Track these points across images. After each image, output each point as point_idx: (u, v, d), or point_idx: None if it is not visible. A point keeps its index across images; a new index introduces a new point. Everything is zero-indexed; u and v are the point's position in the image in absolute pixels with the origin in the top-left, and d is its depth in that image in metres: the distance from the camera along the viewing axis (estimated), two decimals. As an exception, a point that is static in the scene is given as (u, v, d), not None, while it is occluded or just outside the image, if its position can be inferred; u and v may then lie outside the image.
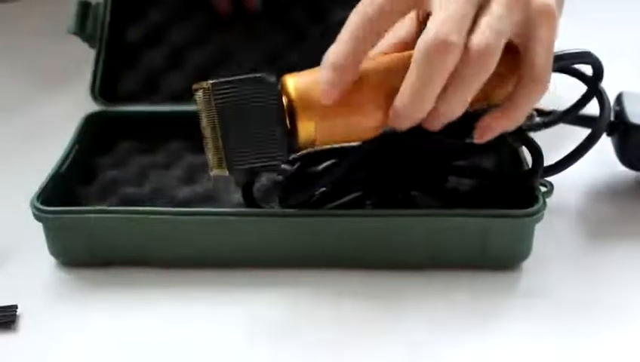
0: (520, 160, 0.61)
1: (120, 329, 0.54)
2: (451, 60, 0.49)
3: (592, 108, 0.61)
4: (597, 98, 0.59)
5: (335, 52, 0.52)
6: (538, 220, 0.56)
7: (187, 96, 0.73)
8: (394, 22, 0.53)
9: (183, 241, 0.58)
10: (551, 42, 0.52)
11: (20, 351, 0.53)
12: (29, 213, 0.57)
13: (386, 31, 0.53)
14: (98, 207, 0.58)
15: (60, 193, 0.61)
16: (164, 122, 0.71)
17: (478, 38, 0.50)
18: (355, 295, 0.56)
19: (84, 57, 0.74)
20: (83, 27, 0.74)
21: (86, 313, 0.56)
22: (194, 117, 0.70)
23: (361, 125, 0.54)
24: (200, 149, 0.69)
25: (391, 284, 0.57)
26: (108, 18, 0.74)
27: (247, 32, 0.76)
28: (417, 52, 0.50)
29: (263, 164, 0.54)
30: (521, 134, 0.58)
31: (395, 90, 0.52)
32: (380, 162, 0.57)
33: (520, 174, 0.60)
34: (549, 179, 0.59)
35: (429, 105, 0.51)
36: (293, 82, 0.54)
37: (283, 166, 0.58)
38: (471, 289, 0.56)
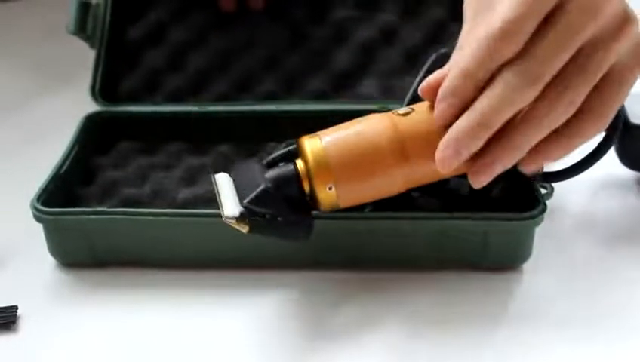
0: None
1: (120, 330, 0.54)
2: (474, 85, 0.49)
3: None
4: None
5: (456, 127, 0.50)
6: (538, 223, 0.56)
7: (187, 96, 0.74)
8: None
9: (183, 243, 0.58)
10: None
11: (20, 351, 0.53)
12: (29, 213, 0.57)
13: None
14: (98, 209, 0.58)
15: (61, 194, 0.61)
16: (164, 123, 0.71)
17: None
18: (356, 296, 0.56)
19: (84, 57, 0.74)
20: (83, 27, 0.73)
21: (86, 314, 0.56)
22: (194, 118, 0.71)
23: (385, 185, 0.53)
24: (200, 151, 0.69)
25: (391, 286, 0.57)
26: (108, 18, 0.74)
27: (248, 31, 0.76)
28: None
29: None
30: None
31: (416, 142, 0.52)
32: None
33: (521, 177, 0.59)
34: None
35: (475, 139, 0.49)
36: (310, 146, 0.53)
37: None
38: (471, 291, 0.56)
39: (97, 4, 0.74)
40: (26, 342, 0.54)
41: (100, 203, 0.63)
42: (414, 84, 0.57)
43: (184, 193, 0.64)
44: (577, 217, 0.64)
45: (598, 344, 0.52)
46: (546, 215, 0.56)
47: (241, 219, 0.51)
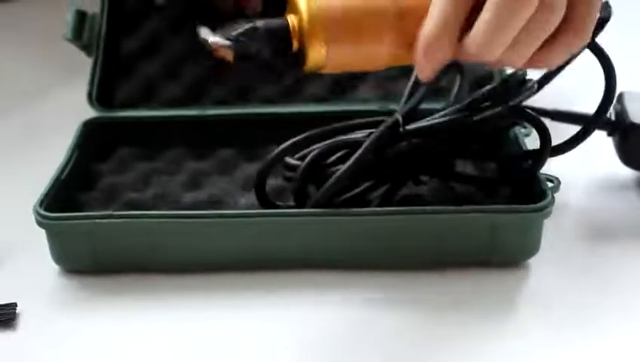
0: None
1: (123, 335, 0.54)
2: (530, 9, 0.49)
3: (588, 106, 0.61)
4: (604, 71, 0.59)
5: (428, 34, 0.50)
6: (546, 215, 0.56)
7: (184, 104, 0.73)
8: None
9: (188, 246, 0.57)
10: None
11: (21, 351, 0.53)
12: (30, 219, 0.57)
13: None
14: (102, 212, 0.58)
15: (62, 200, 0.60)
16: (163, 128, 0.70)
17: None
18: (362, 294, 0.56)
19: (83, 60, 0.74)
20: (79, 36, 0.73)
21: (89, 319, 0.55)
22: (194, 122, 0.70)
23: (376, 53, 0.52)
24: (201, 155, 0.69)
25: (398, 282, 0.57)
26: (104, 29, 0.74)
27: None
28: None
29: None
30: (523, 112, 0.58)
31: (415, 21, 0.50)
32: (390, 151, 0.57)
33: (527, 154, 0.60)
34: (555, 174, 0.59)
35: (500, 48, 0.50)
36: (306, 0, 0.51)
37: (293, 162, 0.58)
38: (479, 285, 0.56)
39: (94, 15, 0.74)
40: (27, 344, 0.53)
41: (103, 208, 0.62)
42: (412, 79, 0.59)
43: (187, 197, 0.63)
44: (577, 216, 0.64)
45: (604, 340, 0.52)
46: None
47: (226, 46, 0.51)
